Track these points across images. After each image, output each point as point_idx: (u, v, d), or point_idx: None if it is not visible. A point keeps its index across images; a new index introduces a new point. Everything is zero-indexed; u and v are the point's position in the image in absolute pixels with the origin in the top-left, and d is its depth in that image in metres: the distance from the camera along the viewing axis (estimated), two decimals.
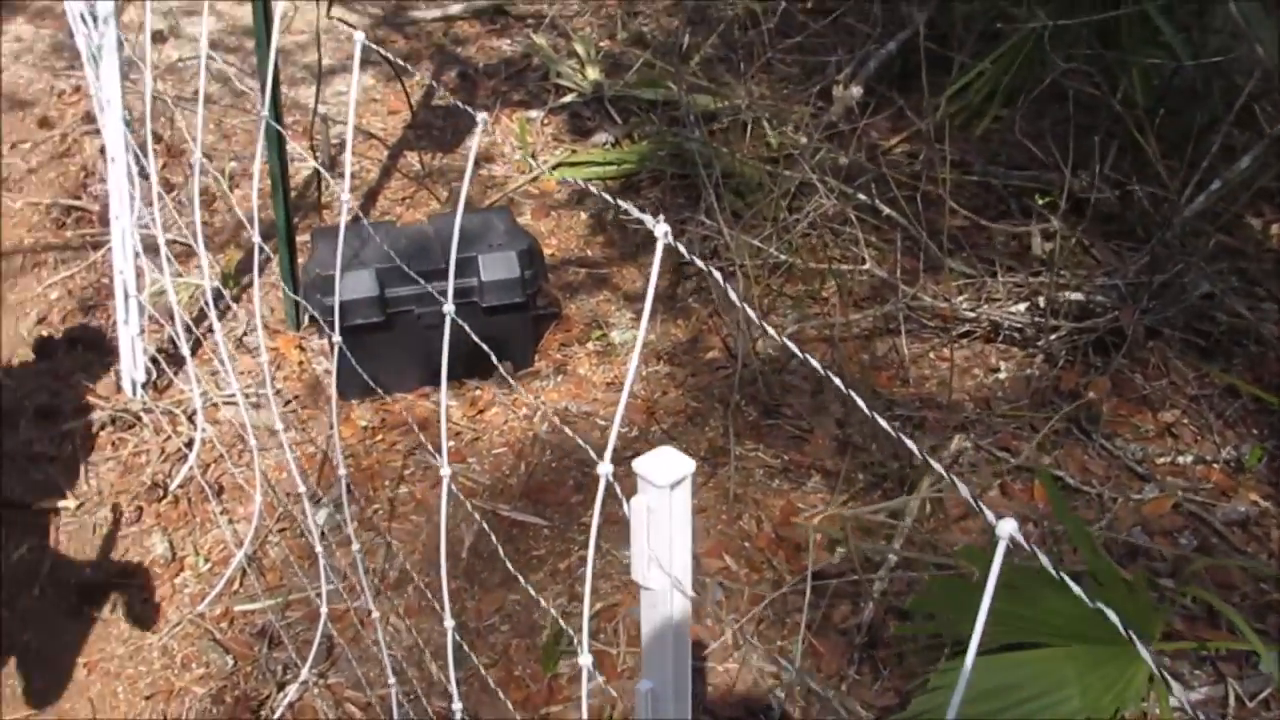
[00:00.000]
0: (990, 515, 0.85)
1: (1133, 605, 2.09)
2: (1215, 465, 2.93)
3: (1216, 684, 2.40)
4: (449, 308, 1.46)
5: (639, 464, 1.04)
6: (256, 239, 2.13)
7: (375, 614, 2.24)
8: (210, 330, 3.40)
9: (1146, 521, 2.76)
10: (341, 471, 2.13)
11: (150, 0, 4.77)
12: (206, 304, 3.14)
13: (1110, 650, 2.06)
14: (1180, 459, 2.95)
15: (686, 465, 1.02)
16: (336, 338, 2.03)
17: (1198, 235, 3.35)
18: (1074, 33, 3.64)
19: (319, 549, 2.31)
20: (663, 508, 1.02)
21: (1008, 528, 0.81)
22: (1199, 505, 2.79)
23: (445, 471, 1.51)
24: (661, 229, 1.03)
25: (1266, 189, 3.67)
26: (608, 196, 1.24)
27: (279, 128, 3.17)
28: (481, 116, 1.46)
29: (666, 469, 1.02)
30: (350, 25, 4.89)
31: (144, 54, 2.72)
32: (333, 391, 2.25)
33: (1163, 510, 2.79)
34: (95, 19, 2.82)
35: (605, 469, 1.10)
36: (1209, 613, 2.53)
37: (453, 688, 1.62)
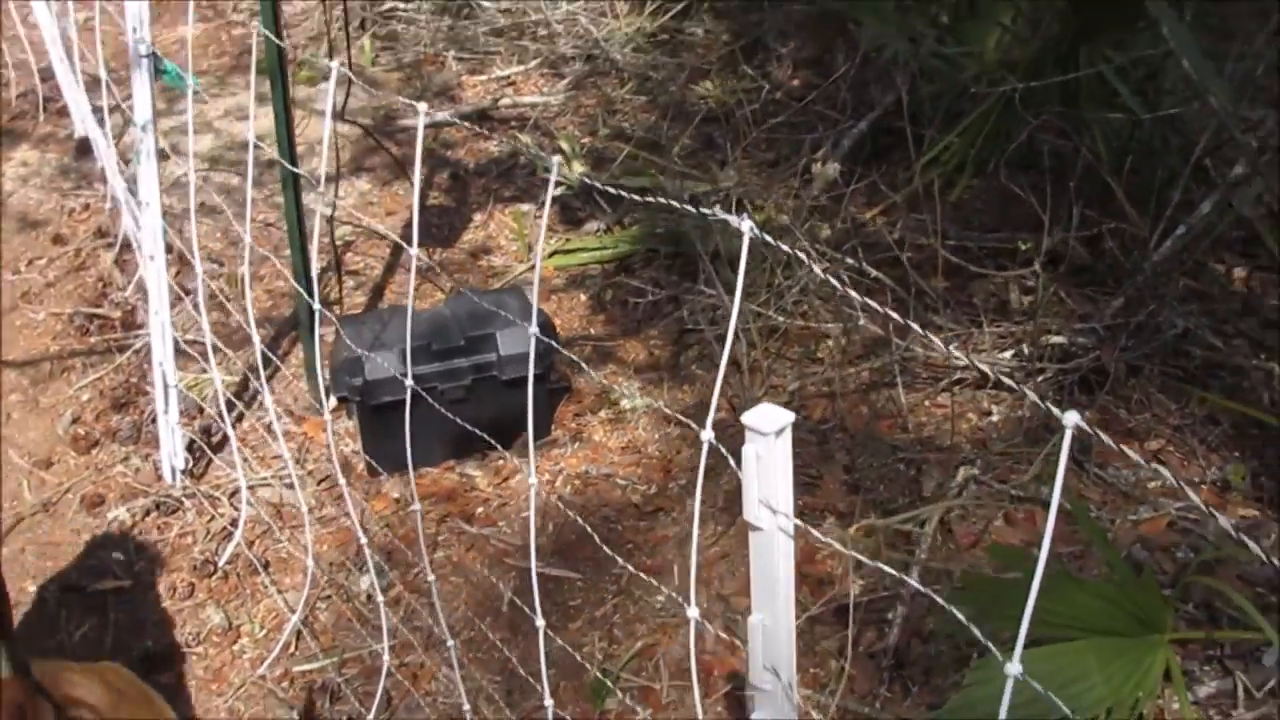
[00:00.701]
0: (1056, 411, 1.03)
1: (1145, 600, 2.26)
2: (1204, 486, 3.13)
3: (1225, 678, 2.57)
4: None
5: (747, 417, 1.22)
6: (319, 305, 2.31)
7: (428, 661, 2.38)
8: (240, 419, 3.56)
9: (1144, 539, 2.94)
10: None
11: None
12: (230, 398, 3.31)
13: (1130, 642, 2.24)
14: (1170, 482, 3.14)
15: (787, 416, 1.20)
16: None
17: (1167, 278, 3.59)
18: (1040, 96, 3.91)
19: (380, 601, 2.45)
20: (769, 454, 1.20)
21: (1072, 419, 0.99)
22: (1191, 521, 2.98)
23: (533, 480, 1.67)
24: (747, 224, 1.22)
25: (1225, 237, 3.93)
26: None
27: (301, 221, 3.37)
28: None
29: (771, 419, 1.19)
30: (358, 124, 5.13)
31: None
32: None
33: (1158, 528, 2.98)
34: (137, 125, 3.02)
35: (707, 435, 1.27)
36: (1210, 617, 2.70)
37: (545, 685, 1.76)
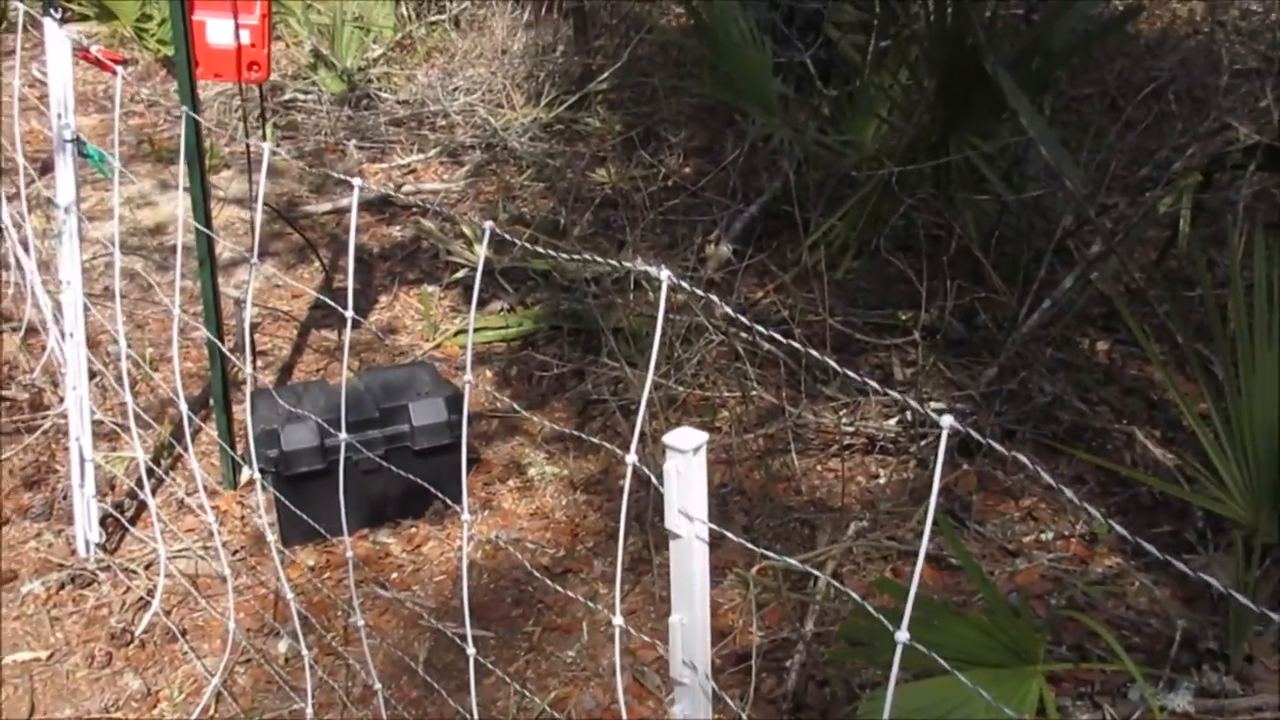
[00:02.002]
0: (934, 415, 1.22)
1: (1019, 633, 2.46)
2: (1072, 539, 3.37)
3: (1095, 712, 2.78)
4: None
5: (668, 438, 1.39)
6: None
7: None
8: (154, 493, 3.63)
9: (1020, 588, 3.16)
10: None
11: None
12: (142, 475, 3.38)
13: (1006, 672, 2.43)
14: (1042, 536, 3.38)
15: (702, 436, 1.37)
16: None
17: (1036, 349, 3.86)
18: (915, 181, 4.20)
19: (306, 656, 2.56)
20: (688, 468, 1.37)
21: (948, 421, 1.18)
22: (1062, 571, 3.21)
23: (466, 517, 1.82)
24: (665, 273, 1.41)
25: (1088, 312, 4.23)
26: None
27: (213, 305, 3.48)
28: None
29: (689, 439, 1.37)
30: (271, 208, 5.25)
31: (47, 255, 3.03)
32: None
33: (1032, 578, 3.21)
34: (58, 207, 3.13)
35: (632, 458, 1.44)
36: (1081, 657, 2.92)
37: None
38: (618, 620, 1.55)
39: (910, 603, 1.26)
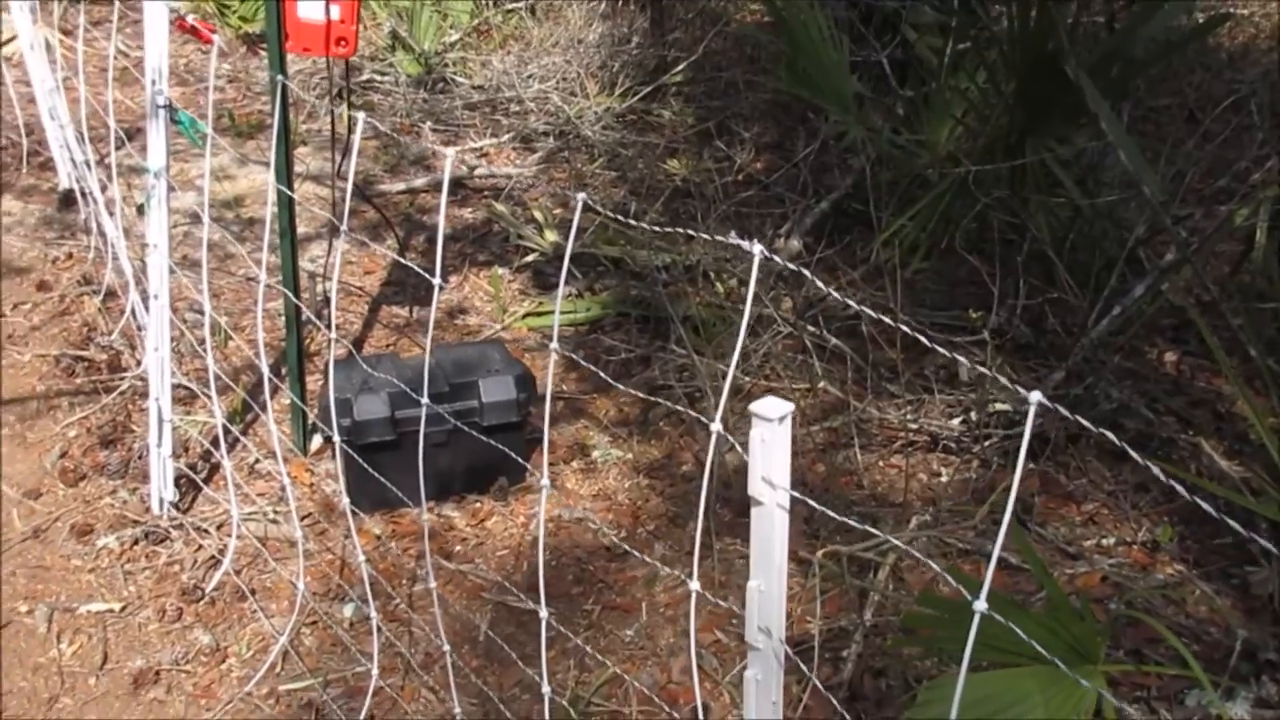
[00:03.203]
0: (1022, 391, 1.24)
1: (1081, 631, 2.47)
2: (1134, 545, 3.37)
3: (1151, 715, 2.78)
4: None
5: (755, 406, 1.42)
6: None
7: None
8: (223, 458, 3.71)
9: (1080, 591, 3.16)
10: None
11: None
12: (218, 437, 3.45)
13: (1066, 670, 2.44)
14: (1104, 541, 3.38)
15: (788, 406, 1.40)
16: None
17: (1104, 356, 3.86)
18: (989, 182, 4.20)
19: (374, 619, 2.61)
20: (772, 437, 1.40)
21: (1036, 396, 1.20)
22: (1123, 576, 3.21)
23: (545, 483, 1.86)
24: (757, 247, 1.44)
25: (1157, 323, 4.22)
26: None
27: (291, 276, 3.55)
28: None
29: (775, 408, 1.40)
30: (358, 188, 5.33)
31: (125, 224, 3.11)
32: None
33: (1093, 582, 3.21)
34: (149, 171, 3.20)
35: (716, 426, 1.48)
36: (1139, 661, 2.92)
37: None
38: (694, 585, 1.59)
39: (989, 577, 1.28)
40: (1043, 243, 4.10)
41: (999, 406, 3.74)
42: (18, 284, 4.92)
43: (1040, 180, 4.33)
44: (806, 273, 1.54)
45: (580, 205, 1.71)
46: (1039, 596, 3.13)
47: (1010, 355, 4.03)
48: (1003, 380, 1.47)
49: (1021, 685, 2.40)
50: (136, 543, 3.39)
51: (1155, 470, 1.24)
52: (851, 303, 1.54)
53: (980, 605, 1.25)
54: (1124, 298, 3.92)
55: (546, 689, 1.97)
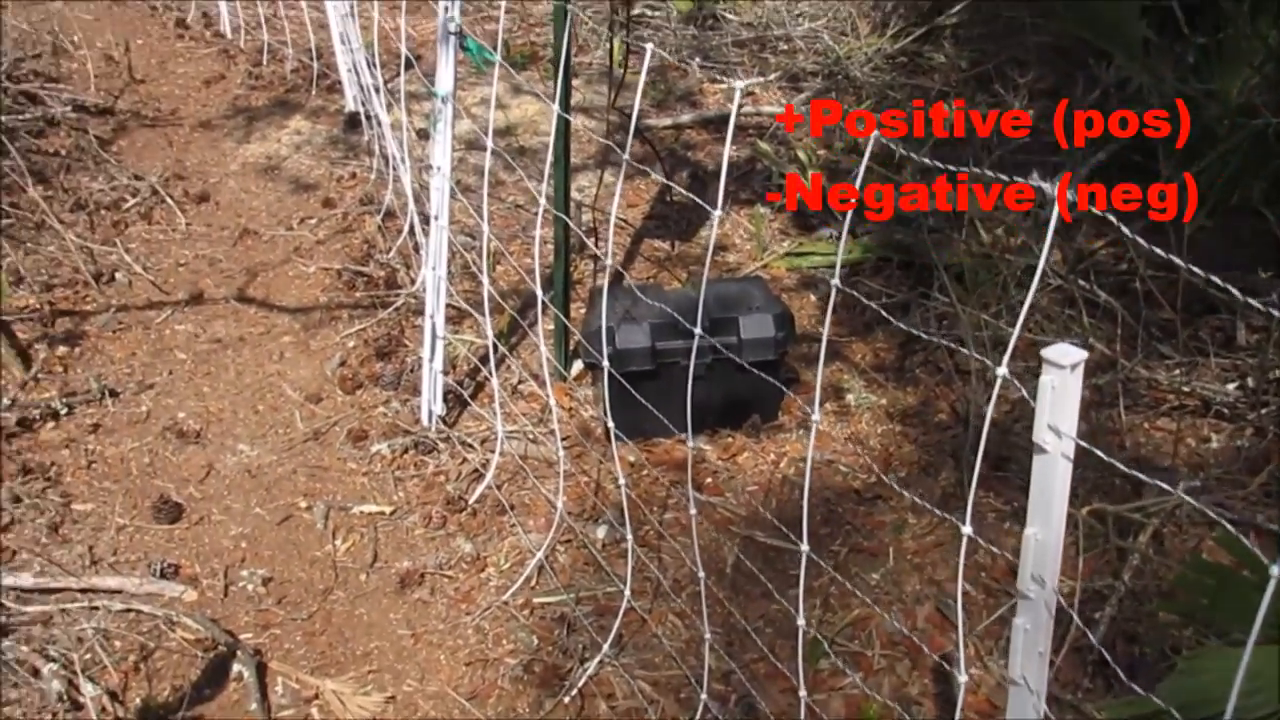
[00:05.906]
0: None
1: None
2: None
3: None
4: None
5: (1047, 352, 1.40)
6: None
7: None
8: (490, 377, 3.86)
9: None
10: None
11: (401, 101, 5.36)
12: (486, 356, 3.60)
13: None
14: None
15: (1081, 353, 1.38)
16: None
17: None
18: None
19: (630, 541, 2.69)
20: (1063, 384, 1.38)
21: None
22: None
23: (815, 418, 1.88)
24: (1053, 189, 1.40)
25: None
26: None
27: (562, 209, 3.64)
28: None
29: (1068, 355, 1.38)
30: (628, 117, 5.43)
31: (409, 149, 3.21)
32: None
33: None
34: (437, 96, 3.33)
35: (1003, 370, 1.46)
36: None
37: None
38: (966, 529, 1.58)
39: None
40: None
41: None
42: (305, 200, 5.20)
43: None
44: (1109, 217, 1.49)
45: (873, 140, 1.70)
46: None
47: None
48: None
49: None
50: (406, 451, 3.57)
51: None
52: (1139, 242, 1.49)
53: (1276, 570, 1.21)
54: None
55: (801, 620, 2.00)
